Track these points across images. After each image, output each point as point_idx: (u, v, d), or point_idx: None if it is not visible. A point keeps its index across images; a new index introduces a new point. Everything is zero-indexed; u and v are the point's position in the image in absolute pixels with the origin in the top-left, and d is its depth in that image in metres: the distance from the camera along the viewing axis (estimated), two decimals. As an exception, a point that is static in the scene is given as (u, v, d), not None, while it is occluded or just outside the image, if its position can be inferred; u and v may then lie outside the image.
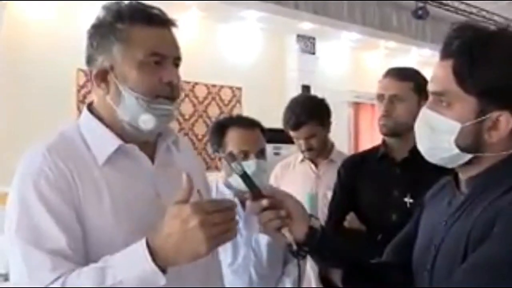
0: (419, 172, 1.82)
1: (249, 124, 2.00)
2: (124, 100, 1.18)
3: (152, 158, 1.26)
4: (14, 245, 1.10)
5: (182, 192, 1.04)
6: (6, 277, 4.29)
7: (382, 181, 2.01)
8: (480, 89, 1.05)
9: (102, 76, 1.21)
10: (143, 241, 1.03)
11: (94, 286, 1.01)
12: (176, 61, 1.22)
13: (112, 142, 1.20)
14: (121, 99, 1.19)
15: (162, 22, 1.21)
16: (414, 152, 1.94)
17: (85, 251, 1.11)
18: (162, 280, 1.02)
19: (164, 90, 1.19)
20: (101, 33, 1.21)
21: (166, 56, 1.19)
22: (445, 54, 1.09)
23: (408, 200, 1.91)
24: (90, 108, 1.27)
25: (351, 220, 2.05)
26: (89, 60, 1.23)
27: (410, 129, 2.00)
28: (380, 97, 1.99)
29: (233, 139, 1.94)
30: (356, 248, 1.31)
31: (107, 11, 1.21)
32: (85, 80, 5.44)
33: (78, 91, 5.39)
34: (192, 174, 1.12)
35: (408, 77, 1.99)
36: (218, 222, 1.01)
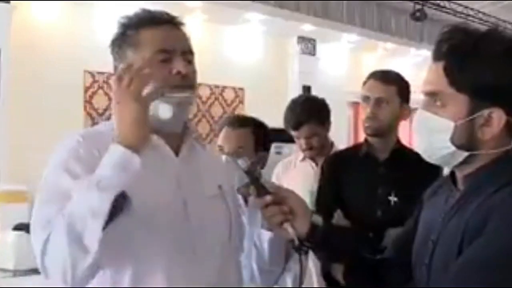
0: (402, 171, 1.92)
1: (232, 123, 2.10)
2: None
3: (177, 152, 1.31)
4: (36, 213, 1.18)
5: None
6: (14, 273, 4.36)
7: (367, 180, 2.05)
8: (472, 87, 1.06)
9: None
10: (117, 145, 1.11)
11: (87, 190, 1.07)
12: (184, 54, 1.28)
13: None
14: None
15: (166, 20, 1.29)
16: (396, 152, 2.03)
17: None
18: (136, 158, 1.09)
19: (175, 80, 1.25)
20: (117, 44, 1.30)
21: (173, 51, 1.26)
22: (437, 55, 1.10)
23: (392, 198, 1.96)
24: None
25: (338, 218, 2.09)
26: (115, 70, 1.31)
27: (392, 130, 2.07)
28: (365, 99, 2.05)
29: (221, 138, 2.07)
30: (354, 243, 1.35)
31: (118, 24, 1.31)
32: (91, 81, 5.56)
33: (85, 91, 5.47)
34: (215, 170, 1.25)
35: (392, 80, 2.05)
36: (133, 79, 1.10)
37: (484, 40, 1.08)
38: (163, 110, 1.24)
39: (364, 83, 2.09)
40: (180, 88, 1.26)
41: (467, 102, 1.07)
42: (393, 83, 2.05)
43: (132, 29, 1.28)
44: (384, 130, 2.03)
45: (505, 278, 0.95)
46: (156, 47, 1.25)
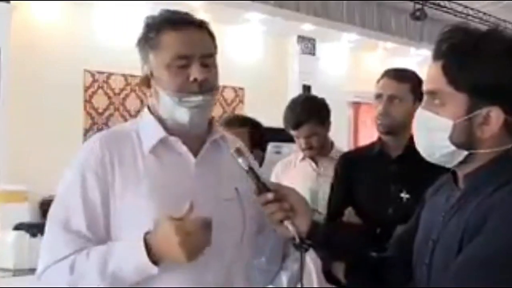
0: (415, 169, 1.85)
1: (228, 124, 2.17)
2: (161, 99, 1.31)
3: (197, 153, 1.34)
4: (48, 218, 1.27)
5: (182, 214, 1.18)
6: (14, 273, 4.36)
7: (379, 177, 2.06)
8: (470, 86, 1.06)
9: (147, 82, 1.34)
10: (142, 237, 1.18)
11: (98, 271, 1.18)
12: (204, 59, 1.30)
13: (158, 133, 1.32)
14: (160, 99, 1.31)
15: (186, 24, 1.31)
16: (409, 149, 2.02)
17: (105, 233, 1.26)
18: (154, 270, 1.18)
19: (191, 87, 1.28)
20: (141, 44, 1.34)
21: (192, 56, 1.28)
22: (436, 55, 1.12)
23: (404, 195, 1.97)
24: (149, 109, 1.39)
25: (349, 215, 2.09)
26: (141, 69, 1.36)
27: (405, 127, 2.04)
28: (378, 96, 2.06)
29: None
30: (355, 242, 1.36)
31: (143, 23, 1.34)
32: (91, 80, 5.56)
33: (85, 91, 5.48)
34: (234, 172, 1.28)
35: (406, 78, 2.06)
36: (196, 240, 1.16)
37: (483, 40, 1.08)
38: (180, 115, 1.29)
39: (378, 81, 2.10)
40: (197, 94, 1.28)
41: (465, 101, 1.08)
42: (406, 80, 2.05)
43: (153, 31, 1.30)
44: (396, 128, 2.03)
45: (505, 277, 0.96)
46: (175, 52, 1.27)
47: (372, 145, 2.19)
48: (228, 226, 1.33)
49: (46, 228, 1.28)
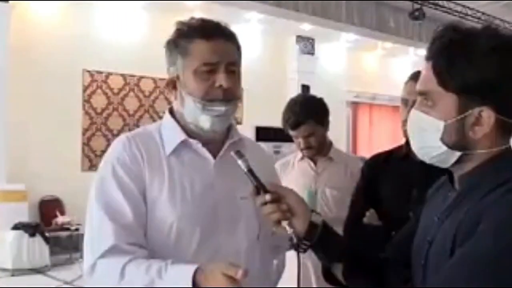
0: (438, 172, 1.94)
1: None
2: (186, 104, 1.36)
3: (216, 155, 1.40)
4: (91, 212, 1.32)
5: (232, 270, 1.14)
6: (13, 273, 4.36)
7: (404, 180, 2.07)
8: (459, 86, 1.05)
9: (173, 84, 1.39)
10: (191, 277, 1.16)
11: (144, 286, 1.19)
12: (229, 66, 1.35)
13: (179, 136, 1.38)
14: (185, 103, 1.37)
15: (217, 35, 1.35)
16: None
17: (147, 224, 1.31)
18: None
19: (216, 94, 1.33)
20: (170, 48, 1.38)
21: (218, 64, 1.33)
22: (428, 55, 1.10)
23: None
24: (171, 111, 1.44)
25: (371, 217, 2.12)
26: (167, 71, 1.41)
27: None
28: (404, 101, 2.04)
29: None
30: (376, 243, 1.35)
31: (175, 29, 1.40)
32: (90, 80, 5.57)
33: (84, 90, 5.48)
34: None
35: None
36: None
37: (473, 39, 1.07)
38: (203, 121, 1.35)
39: (404, 85, 2.08)
40: (221, 102, 1.34)
41: (456, 101, 1.07)
42: None
43: (184, 38, 1.35)
44: None
45: (498, 278, 0.95)
46: (203, 59, 1.32)
47: (399, 148, 2.20)
48: (244, 226, 1.38)
49: (93, 216, 1.31)
